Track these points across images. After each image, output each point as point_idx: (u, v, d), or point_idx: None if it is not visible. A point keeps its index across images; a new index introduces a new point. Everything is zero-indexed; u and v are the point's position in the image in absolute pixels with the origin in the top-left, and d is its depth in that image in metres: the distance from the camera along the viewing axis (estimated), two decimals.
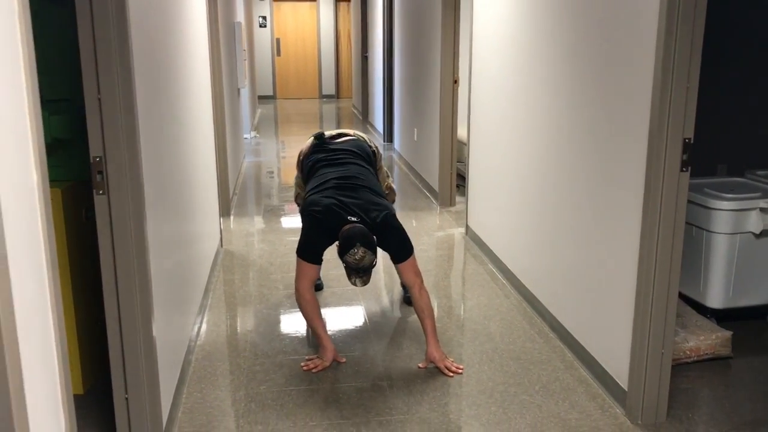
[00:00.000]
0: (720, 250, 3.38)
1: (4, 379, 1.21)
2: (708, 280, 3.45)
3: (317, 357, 3.20)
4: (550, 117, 3.51)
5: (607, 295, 2.95)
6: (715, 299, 3.46)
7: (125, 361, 2.39)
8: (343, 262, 3.02)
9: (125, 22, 2.16)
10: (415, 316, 3.51)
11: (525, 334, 3.53)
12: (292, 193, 6.53)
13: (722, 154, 4.61)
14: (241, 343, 3.42)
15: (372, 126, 10.80)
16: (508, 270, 4.22)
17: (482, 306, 3.89)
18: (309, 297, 3.17)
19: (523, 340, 3.46)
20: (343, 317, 3.75)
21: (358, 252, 2.95)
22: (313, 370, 3.13)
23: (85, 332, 2.95)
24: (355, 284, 3.08)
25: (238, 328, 3.60)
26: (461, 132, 6.19)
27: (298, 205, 3.72)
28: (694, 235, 3.46)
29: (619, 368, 2.85)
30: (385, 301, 3.99)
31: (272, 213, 5.92)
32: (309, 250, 3.14)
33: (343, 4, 15.29)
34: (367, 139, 3.68)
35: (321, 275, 4.00)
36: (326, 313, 3.74)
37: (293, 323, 3.66)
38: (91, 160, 2.21)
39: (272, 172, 7.74)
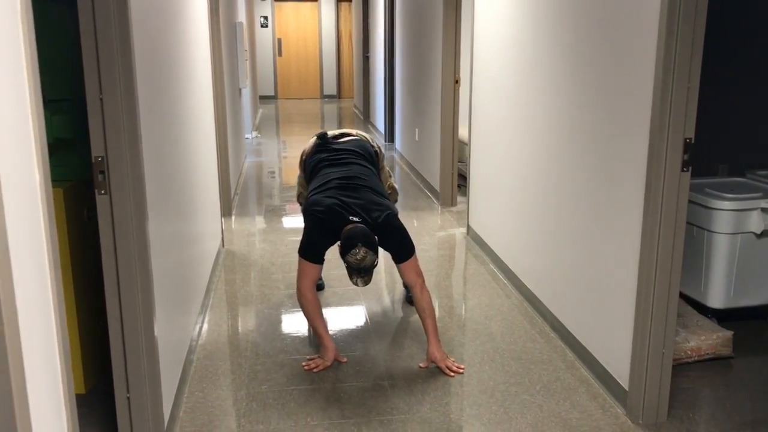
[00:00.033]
0: (721, 250, 3.38)
1: (6, 378, 1.22)
2: (709, 280, 3.45)
3: (318, 357, 3.20)
4: (551, 117, 3.51)
5: (608, 295, 2.95)
6: (716, 299, 3.46)
7: (127, 361, 2.39)
8: (345, 261, 3.03)
9: (127, 22, 2.17)
10: (416, 315, 3.51)
11: (526, 333, 3.53)
12: (293, 193, 6.54)
13: (723, 154, 4.62)
14: (242, 343, 3.42)
15: (373, 126, 10.80)
16: (510, 270, 4.22)
17: (483, 306, 3.89)
18: (310, 296, 3.18)
19: (524, 339, 3.46)
20: (344, 317, 3.76)
21: (360, 252, 2.95)
22: (315, 370, 3.14)
23: (87, 332, 2.95)
24: (356, 284, 3.08)
25: (240, 327, 3.61)
26: (462, 132, 6.20)
27: (301, 204, 3.72)
28: (695, 235, 3.46)
29: (620, 368, 2.85)
30: (386, 300, 4.00)
31: (273, 213, 5.93)
32: (311, 250, 3.15)
33: (344, 5, 15.29)
34: (369, 139, 3.68)
35: (322, 275, 4.00)
36: (327, 312, 3.74)
37: (294, 323, 3.66)
38: (93, 160, 2.22)
39: (273, 172, 7.75)
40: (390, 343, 3.44)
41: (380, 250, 3.10)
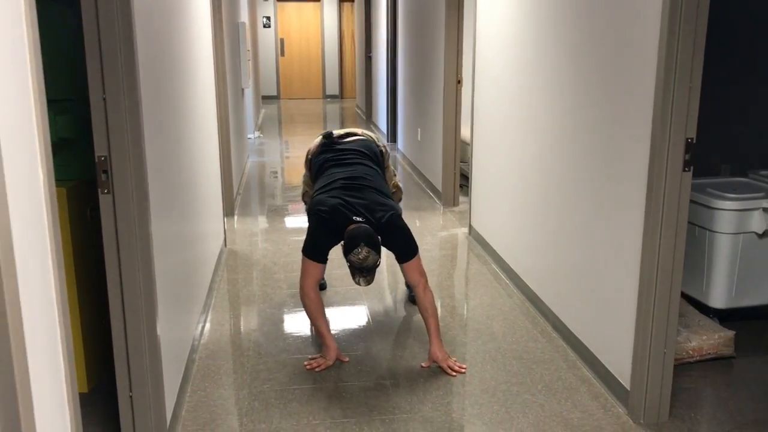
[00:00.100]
0: (723, 250, 3.38)
1: (11, 377, 1.22)
2: (711, 280, 3.45)
3: (320, 356, 3.21)
4: (553, 117, 3.51)
5: (610, 295, 2.96)
6: (717, 299, 3.46)
7: (129, 360, 2.40)
8: (348, 261, 3.04)
9: (130, 23, 2.17)
10: (418, 315, 3.52)
11: (528, 333, 3.53)
12: (295, 193, 6.55)
13: (726, 154, 4.61)
14: (244, 342, 3.43)
15: (375, 126, 10.80)
16: (511, 270, 4.22)
17: (485, 305, 3.90)
18: (313, 296, 3.19)
19: (526, 339, 3.46)
20: (346, 316, 3.76)
21: (362, 252, 2.96)
22: (317, 369, 3.14)
23: (90, 331, 2.96)
24: (359, 284, 3.09)
25: (242, 327, 3.62)
26: (464, 132, 6.20)
27: (305, 203, 3.74)
28: (697, 235, 3.46)
29: (621, 368, 2.85)
30: (388, 300, 4.00)
31: (276, 213, 5.94)
32: (315, 249, 3.16)
33: (346, 5, 15.30)
34: (375, 138, 3.69)
35: (324, 275, 4.01)
36: (330, 312, 3.75)
37: (297, 322, 3.67)
38: (96, 160, 2.23)
39: (276, 172, 7.75)
40: (392, 342, 3.45)
41: (383, 249, 3.11)
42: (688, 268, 3.49)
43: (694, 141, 2.52)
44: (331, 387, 3.01)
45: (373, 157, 3.54)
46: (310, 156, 3.64)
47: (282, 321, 3.69)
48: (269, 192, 6.76)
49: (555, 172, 3.52)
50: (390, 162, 3.78)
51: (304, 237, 3.24)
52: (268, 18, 14.97)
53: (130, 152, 2.24)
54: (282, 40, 15.24)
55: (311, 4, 15.21)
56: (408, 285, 3.93)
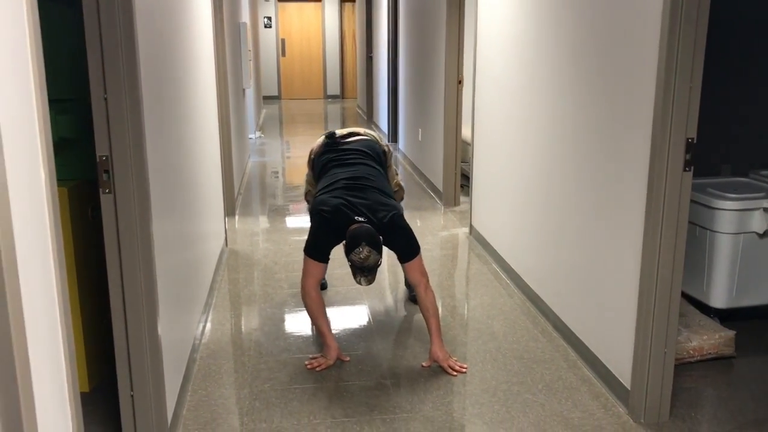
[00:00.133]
0: (723, 250, 3.38)
1: (13, 376, 1.23)
2: (711, 279, 3.45)
3: (321, 355, 3.22)
4: (553, 117, 3.51)
5: (611, 295, 2.96)
6: (718, 299, 3.46)
7: (131, 359, 2.40)
8: (349, 260, 3.05)
9: (131, 23, 2.18)
10: (419, 315, 3.52)
11: (528, 333, 3.54)
12: (296, 193, 6.55)
13: (727, 154, 4.61)
14: (245, 342, 3.44)
15: (377, 126, 10.81)
16: (512, 269, 4.22)
17: (486, 305, 3.90)
18: (315, 295, 3.20)
19: (527, 339, 3.47)
20: (347, 316, 3.77)
21: (363, 251, 2.97)
22: (317, 369, 3.15)
23: (91, 331, 2.97)
24: (360, 283, 3.10)
25: (243, 326, 3.62)
26: (465, 132, 6.20)
27: (308, 202, 3.75)
28: (698, 235, 3.46)
29: (622, 367, 2.86)
30: (389, 300, 4.01)
31: (277, 213, 5.94)
32: (317, 249, 3.17)
33: (347, 5, 15.30)
34: (378, 138, 3.70)
35: (325, 274, 4.01)
36: (330, 312, 3.75)
37: (297, 322, 3.67)
38: (98, 159, 2.23)
39: (277, 172, 7.76)
40: (393, 342, 3.45)
41: (385, 249, 3.12)
42: (689, 268, 3.49)
43: (695, 141, 2.52)
44: (331, 386, 3.01)
45: (376, 156, 3.54)
46: (313, 156, 3.65)
47: (283, 320, 3.69)
48: (270, 192, 6.77)
49: (555, 173, 3.52)
50: (392, 161, 3.78)
51: (304, 237, 3.25)
52: (269, 18, 14.97)
53: (131, 152, 2.24)
54: (283, 41, 15.25)
55: (312, 4, 15.22)
56: (407, 284, 3.94)
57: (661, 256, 2.59)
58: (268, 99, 15.10)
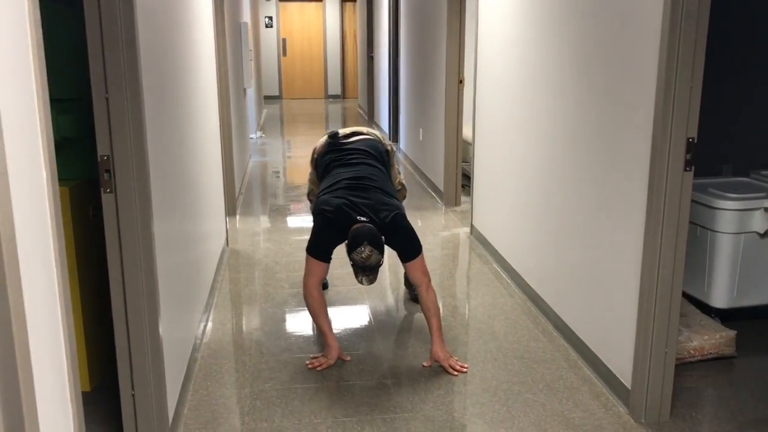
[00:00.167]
0: (724, 250, 3.38)
1: (14, 375, 1.23)
2: (712, 279, 3.45)
3: (322, 355, 3.22)
4: (554, 117, 3.52)
5: (611, 295, 2.96)
6: (719, 299, 3.46)
7: (132, 359, 2.41)
8: (351, 260, 3.06)
9: (133, 22, 2.18)
10: (420, 314, 3.52)
11: (529, 333, 3.54)
12: (297, 193, 6.56)
13: (728, 154, 4.61)
14: (246, 342, 3.44)
15: (378, 126, 10.81)
16: (513, 269, 4.22)
17: (487, 305, 3.90)
18: (316, 294, 3.20)
19: (527, 339, 3.47)
20: (348, 316, 3.77)
21: (365, 251, 2.98)
22: (318, 368, 3.15)
23: (92, 330, 2.97)
24: (361, 282, 3.11)
25: (244, 326, 3.62)
26: (466, 132, 6.20)
27: (311, 202, 3.75)
28: (699, 235, 3.46)
29: (622, 367, 2.86)
30: (390, 300, 4.01)
31: (278, 212, 5.94)
32: (319, 248, 3.18)
33: (348, 5, 15.30)
34: (381, 137, 3.70)
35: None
36: (332, 311, 3.75)
37: (298, 322, 3.67)
38: (99, 159, 2.23)
39: (278, 172, 7.76)
40: (393, 341, 3.45)
41: (386, 249, 3.12)
42: (690, 267, 3.49)
43: (696, 140, 2.52)
44: (332, 386, 3.02)
45: (379, 156, 3.55)
46: (315, 155, 3.65)
47: (284, 320, 3.69)
48: (271, 192, 6.77)
49: (556, 172, 3.52)
50: (395, 160, 3.79)
51: (305, 236, 3.26)
52: (270, 18, 14.97)
53: (132, 151, 2.24)
54: (284, 40, 15.25)
55: (313, 4, 15.22)
56: (407, 284, 3.94)
57: (661, 255, 2.59)
58: (269, 99, 15.10)
